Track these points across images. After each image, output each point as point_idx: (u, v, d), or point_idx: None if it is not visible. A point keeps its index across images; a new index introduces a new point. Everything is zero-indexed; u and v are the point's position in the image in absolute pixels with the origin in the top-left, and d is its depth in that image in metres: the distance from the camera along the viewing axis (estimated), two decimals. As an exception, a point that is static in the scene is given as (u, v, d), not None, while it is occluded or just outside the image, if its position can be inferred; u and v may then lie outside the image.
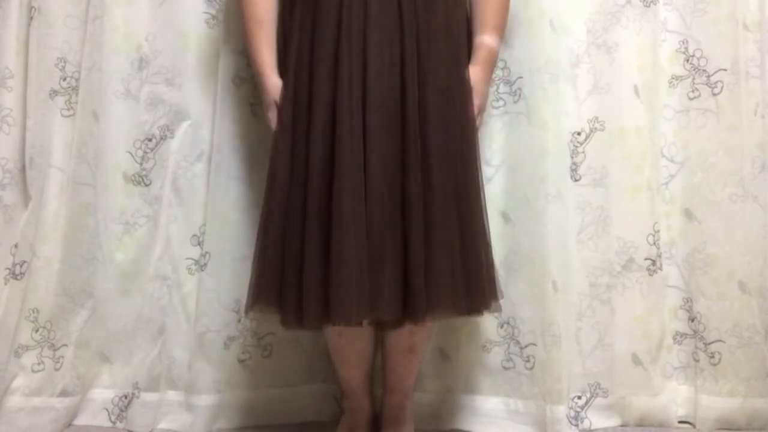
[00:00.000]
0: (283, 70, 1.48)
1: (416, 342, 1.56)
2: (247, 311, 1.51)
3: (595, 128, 1.77)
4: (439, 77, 1.42)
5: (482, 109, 1.55)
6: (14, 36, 1.78)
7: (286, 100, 1.44)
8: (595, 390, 1.73)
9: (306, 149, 1.40)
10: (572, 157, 1.75)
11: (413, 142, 1.38)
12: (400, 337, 1.55)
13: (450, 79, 1.44)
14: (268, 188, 1.47)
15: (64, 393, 1.72)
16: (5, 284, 1.75)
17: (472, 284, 1.42)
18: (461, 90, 1.47)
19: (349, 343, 1.58)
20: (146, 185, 1.78)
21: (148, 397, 1.73)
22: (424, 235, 1.37)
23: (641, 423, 1.73)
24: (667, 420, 1.74)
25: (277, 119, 1.47)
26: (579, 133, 1.77)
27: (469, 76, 1.50)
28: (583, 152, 1.77)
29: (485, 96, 1.55)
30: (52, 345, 1.72)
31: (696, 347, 1.76)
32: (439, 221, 1.38)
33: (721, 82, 1.75)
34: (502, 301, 1.56)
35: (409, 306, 1.37)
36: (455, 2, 1.51)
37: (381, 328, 1.56)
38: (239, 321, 1.72)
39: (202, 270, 1.72)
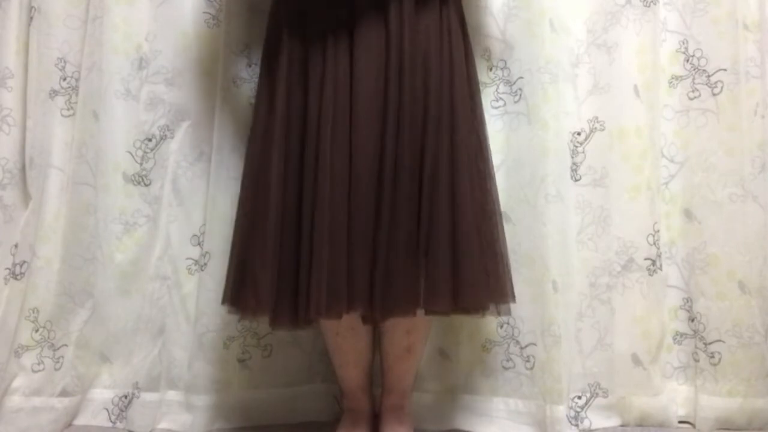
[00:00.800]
0: (273, 74, 1.48)
1: (413, 342, 1.56)
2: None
3: (595, 128, 1.77)
4: (420, 78, 1.41)
5: None
6: (14, 36, 1.79)
7: (279, 101, 1.44)
8: (595, 390, 1.73)
9: (300, 154, 1.41)
10: (572, 157, 1.75)
11: (390, 139, 1.38)
12: (397, 338, 1.55)
13: (434, 78, 1.43)
14: (254, 189, 1.47)
15: (64, 393, 1.72)
16: (5, 284, 1.75)
17: (434, 285, 1.39)
18: (448, 91, 1.45)
19: (348, 343, 1.58)
20: (146, 185, 1.78)
21: (148, 397, 1.73)
22: (388, 233, 1.36)
23: (641, 423, 1.73)
24: (667, 420, 1.74)
25: (265, 117, 1.48)
26: (579, 133, 1.77)
27: (463, 74, 1.49)
28: (583, 152, 1.77)
29: None
30: (52, 345, 1.72)
31: (696, 347, 1.76)
32: (403, 220, 1.37)
33: (721, 82, 1.76)
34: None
35: (372, 303, 1.37)
36: (450, 6, 1.50)
37: (365, 322, 1.55)
38: (239, 321, 1.72)
39: (202, 270, 1.72)
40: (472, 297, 1.42)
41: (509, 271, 1.56)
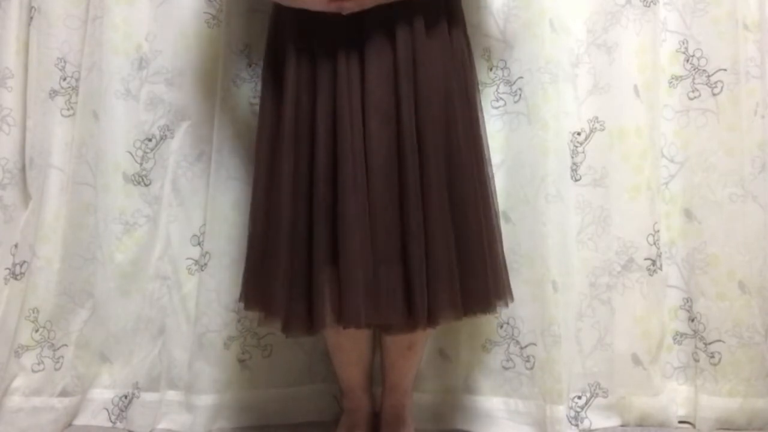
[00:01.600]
0: (278, 77, 1.48)
1: (415, 340, 1.56)
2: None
3: (595, 128, 1.77)
4: (434, 79, 1.42)
5: None
6: (14, 36, 1.79)
7: (288, 107, 1.44)
8: (595, 390, 1.73)
9: (310, 156, 1.41)
10: (572, 157, 1.76)
11: (410, 146, 1.38)
12: (398, 336, 1.55)
13: (447, 81, 1.44)
14: (265, 198, 1.47)
15: (64, 393, 1.72)
16: (5, 284, 1.75)
17: (469, 286, 1.41)
18: (459, 91, 1.46)
19: (349, 343, 1.58)
20: (146, 185, 1.78)
21: (148, 397, 1.73)
22: (424, 238, 1.37)
23: (641, 423, 1.73)
24: (667, 420, 1.74)
25: (273, 121, 1.48)
26: (579, 133, 1.77)
27: (471, 81, 1.51)
28: (583, 152, 1.77)
29: None
30: (52, 345, 1.72)
31: (696, 347, 1.76)
32: (436, 223, 1.38)
33: (721, 82, 1.75)
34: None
35: (411, 310, 1.37)
36: (452, 5, 1.50)
37: (383, 329, 1.56)
38: (239, 321, 1.72)
39: (202, 270, 1.72)
40: (485, 299, 1.46)
41: (507, 272, 1.57)
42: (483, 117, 1.60)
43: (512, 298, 1.56)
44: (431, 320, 1.39)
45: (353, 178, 1.36)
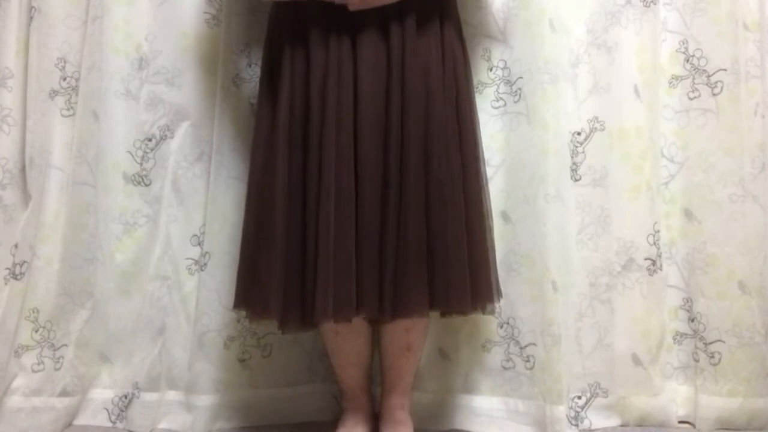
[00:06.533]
0: (275, 78, 1.49)
1: (413, 340, 1.57)
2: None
3: (595, 128, 1.77)
4: (417, 78, 1.43)
5: None
6: (14, 36, 1.79)
7: (282, 107, 1.45)
8: (595, 390, 1.73)
9: (303, 155, 1.42)
10: (572, 157, 1.76)
11: (394, 148, 1.40)
12: (396, 336, 1.55)
13: (433, 80, 1.44)
14: (259, 196, 1.48)
15: (64, 393, 1.72)
16: (5, 284, 1.75)
17: (443, 285, 1.42)
18: (448, 90, 1.47)
19: (347, 343, 1.59)
20: (146, 185, 1.78)
21: (148, 397, 1.73)
22: (397, 237, 1.39)
23: (641, 423, 1.73)
24: (667, 420, 1.74)
25: (268, 123, 1.49)
26: (579, 133, 1.77)
27: (462, 78, 1.51)
28: (583, 152, 1.77)
29: None
30: (52, 345, 1.72)
31: (696, 347, 1.76)
32: (410, 221, 1.40)
33: (721, 82, 1.75)
34: (501, 302, 1.58)
35: (381, 305, 1.39)
36: (445, 4, 1.51)
37: (373, 324, 1.57)
38: (239, 321, 1.73)
39: (202, 270, 1.72)
40: (461, 300, 1.45)
41: (497, 272, 1.59)
42: (478, 116, 1.60)
43: (498, 300, 1.58)
44: (398, 313, 1.41)
45: (341, 183, 1.38)
